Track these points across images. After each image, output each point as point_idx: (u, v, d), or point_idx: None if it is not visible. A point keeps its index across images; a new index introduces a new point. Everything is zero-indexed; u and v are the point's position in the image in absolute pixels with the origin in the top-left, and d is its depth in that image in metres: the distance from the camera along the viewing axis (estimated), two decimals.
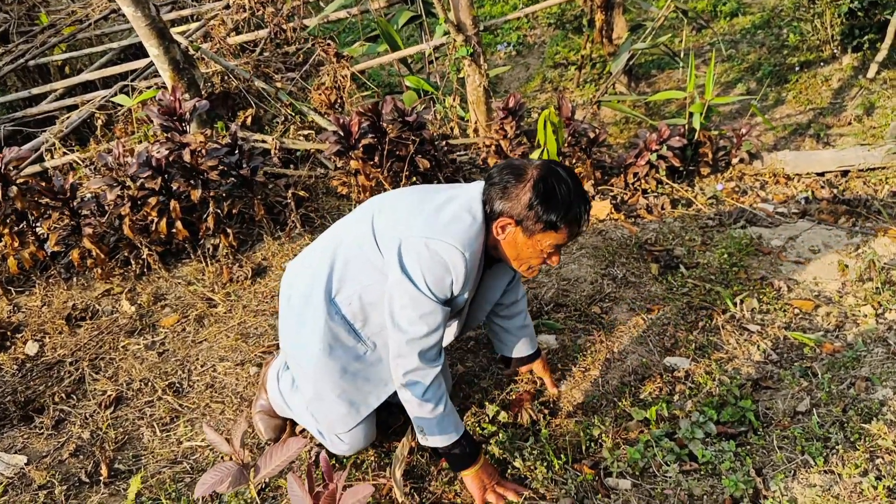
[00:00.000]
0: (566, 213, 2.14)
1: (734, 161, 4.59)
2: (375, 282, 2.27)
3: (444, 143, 4.41)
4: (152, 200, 3.59)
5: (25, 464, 2.79)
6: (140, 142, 4.96)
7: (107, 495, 2.62)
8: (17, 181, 3.58)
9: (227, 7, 6.65)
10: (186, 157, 3.52)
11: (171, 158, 3.57)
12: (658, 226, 4.08)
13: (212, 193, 3.75)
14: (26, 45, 7.28)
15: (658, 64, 7.35)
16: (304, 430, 2.79)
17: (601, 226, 4.09)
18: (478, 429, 2.68)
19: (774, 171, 4.55)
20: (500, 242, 2.25)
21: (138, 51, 7.00)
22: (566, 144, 4.27)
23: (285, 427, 2.79)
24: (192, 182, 3.65)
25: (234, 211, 3.89)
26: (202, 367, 3.25)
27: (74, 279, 3.92)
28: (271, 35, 5.80)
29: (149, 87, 5.61)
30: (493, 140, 4.40)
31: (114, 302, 3.74)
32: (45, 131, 5.71)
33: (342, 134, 3.91)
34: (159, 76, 5.51)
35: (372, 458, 2.60)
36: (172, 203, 3.61)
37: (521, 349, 2.79)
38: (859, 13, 6.03)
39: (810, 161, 4.51)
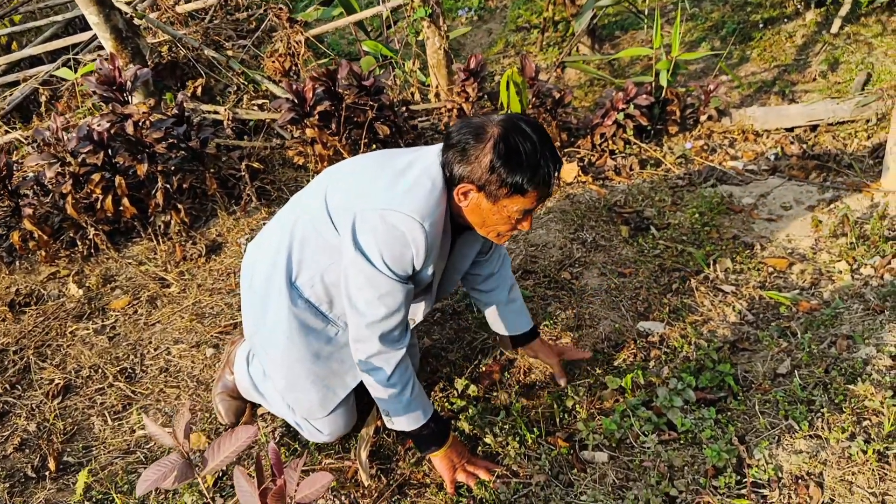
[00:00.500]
0: (533, 175, 1.90)
1: (702, 119, 4.48)
2: (335, 262, 2.09)
3: (404, 108, 4.24)
4: (96, 177, 3.39)
5: None
6: (85, 117, 4.73)
7: (54, 491, 2.46)
8: None
9: None
10: (129, 129, 3.32)
11: (113, 131, 3.36)
12: (627, 187, 3.96)
13: (160, 167, 3.55)
14: None
15: (622, 25, 7.21)
16: (264, 413, 2.65)
17: (569, 189, 3.96)
18: (446, 404, 2.56)
19: (743, 128, 4.45)
20: (463, 209, 2.04)
21: (85, 23, 6.70)
22: (530, 105, 4.12)
23: (245, 410, 2.65)
24: (137, 156, 3.45)
25: (184, 186, 3.70)
26: (155, 350, 3.08)
27: (17, 263, 3.71)
28: (221, 1, 5.56)
29: (93, 61, 5.35)
30: (455, 103, 4.24)
31: (60, 285, 3.55)
32: None
33: (296, 101, 3.72)
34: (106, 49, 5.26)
35: (335, 440, 2.47)
36: (117, 179, 3.41)
37: (512, 325, 2.58)
38: None
39: (779, 116, 4.42)
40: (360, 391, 2.35)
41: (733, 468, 2.01)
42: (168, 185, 3.61)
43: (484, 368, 2.73)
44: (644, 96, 4.23)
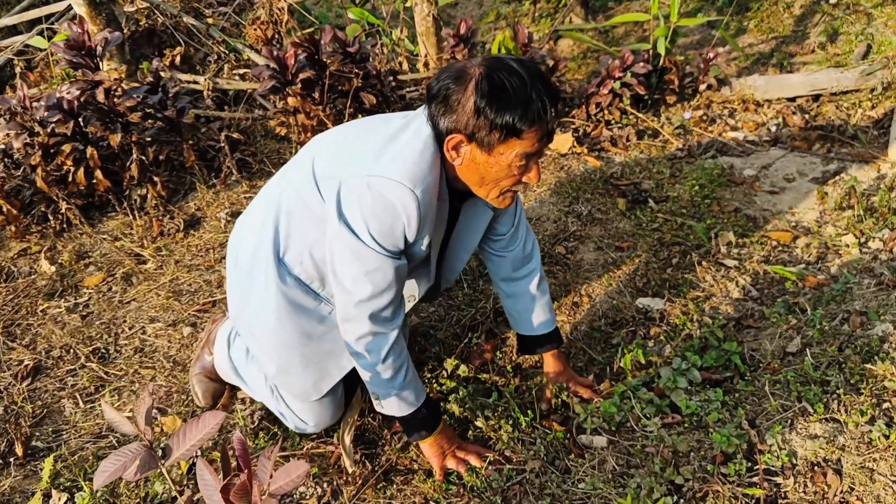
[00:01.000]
0: (525, 111, 1.65)
1: (701, 88, 4.33)
2: (323, 235, 1.90)
3: (391, 78, 4.06)
4: (66, 148, 3.21)
5: None
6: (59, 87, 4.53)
7: (20, 478, 2.32)
8: None
9: None
10: (100, 96, 3.14)
11: (83, 99, 3.18)
12: (623, 158, 3.82)
13: (134, 138, 3.38)
14: None
15: None
16: (245, 396, 2.50)
17: (563, 160, 3.81)
18: (435, 385, 2.42)
19: (743, 98, 4.30)
20: (457, 170, 1.82)
21: None
22: None
23: (223, 392, 2.50)
24: (109, 126, 3.27)
25: (161, 157, 3.52)
26: (130, 329, 2.93)
27: None
28: None
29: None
30: None
31: (31, 262, 3.38)
32: None
33: (277, 68, 3.54)
34: None
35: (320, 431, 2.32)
36: (89, 150, 3.23)
37: (526, 322, 2.30)
38: None
39: (781, 85, 4.27)
40: (346, 379, 2.20)
41: (743, 454, 1.87)
42: (144, 157, 3.43)
43: (475, 347, 2.59)
44: (641, 64, 4.07)
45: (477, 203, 2.05)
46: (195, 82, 4.31)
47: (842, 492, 1.72)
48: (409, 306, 2.26)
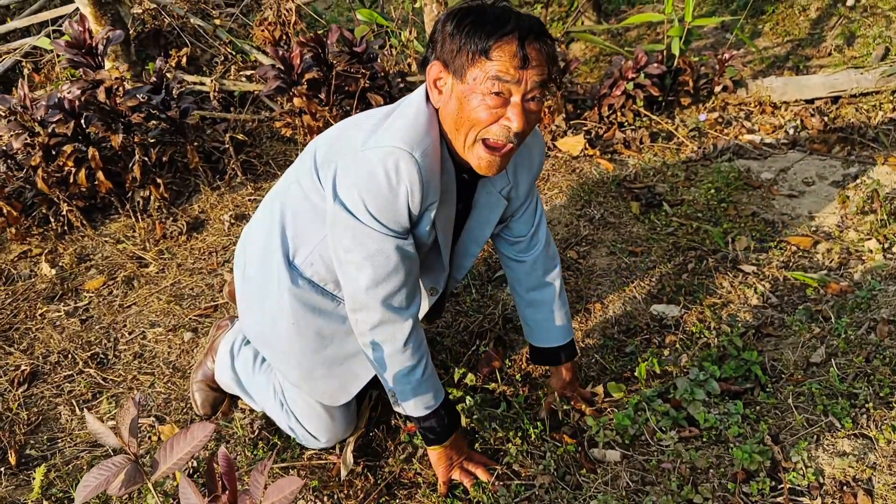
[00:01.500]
0: (494, 28, 1.55)
1: (717, 90, 4.22)
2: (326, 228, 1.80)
3: (400, 79, 3.98)
4: (67, 148, 3.15)
5: None
6: None
7: (12, 488, 2.25)
8: None
9: None
10: (101, 96, 3.07)
11: (85, 99, 3.11)
12: (637, 161, 3.72)
13: (137, 139, 3.31)
14: None
15: None
16: (244, 406, 2.42)
17: (575, 163, 3.71)
18: None
19: (760, 100, 4.19)
20: (441, 113, 1.68)
21: None
22: None
23: (223, 401, 2.42)
24: (111, 126, 3.21)
25: (164, 159, 3.45)
26: (130, 334, 2.86)
27: None
28: None
29: None
30: None
31: (32, 265, 3.31)
32: None
33: (283, 68, 3.47)
34: None
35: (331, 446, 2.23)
36: (91, 150, 3.17)
37: (544, 332, 2.20)
38: None
39: (799, 87, 4.16)
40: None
41: (767, 472, 1.76)
42: (146, 158, 3.37)
43: (483, 355, 2.50)
44: (655, 65, 3.97)
45: (490, 191, 1.94)
46: (201, 83, 4.25)
47: None
48: (429, 302, 2.14)
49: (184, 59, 4.43)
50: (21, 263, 3.33)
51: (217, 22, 4.80)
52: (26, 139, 3.14)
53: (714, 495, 1.74)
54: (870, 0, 5.68)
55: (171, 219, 3.46)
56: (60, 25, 5.52)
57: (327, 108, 3.56)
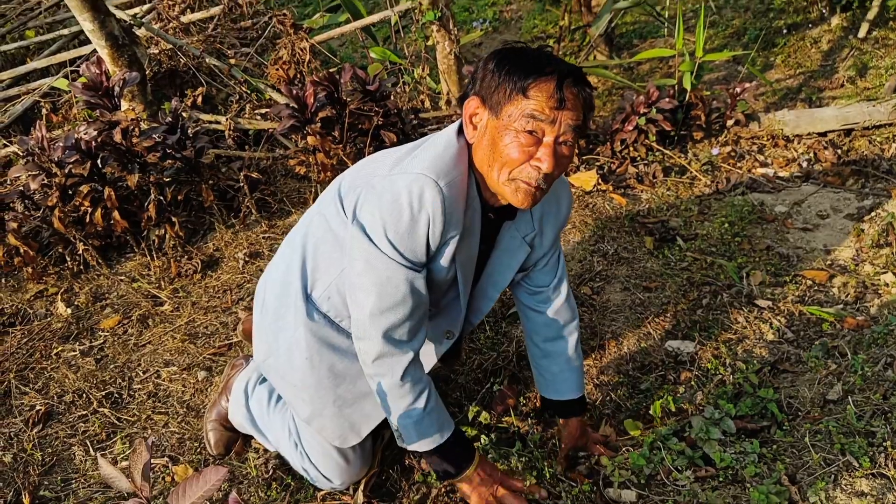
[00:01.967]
0: (533, 68, 1.58)
1: (729, 123, 4.23)
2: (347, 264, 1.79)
3: (413, 116, 4.02)
4: (83, 188, 3.18)
5: None
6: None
7: None
8: None
9: None
10: (117, 137, 3.12)
11: (101, 140, 3.16)
12: (650, 196, 3.72)
13: (152, 178, 3.34)
14: None
15: (640, 33, 6.99)
16: (258, 446, 2.41)
17: (588, 198, 3.72)
18: None
19: (772, 133, 4.19)
20: (474, 149, 1.70)
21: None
22: None
23: (237, 440, 2.41)
24: (127, 166, 3.25)
25: (179, 198, 3.48)
26: (144, 373, 2.86)
27: (2, 281, 3.50)
28: (226, 9, 5.38)
29: None
30: None
31: (48, 304, 3.34)
32: None
33: (296, 107, 3.51)
34: None
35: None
36: (107, 190, 3.20)
37: (556, 385, 2.17)
38: None
39: (812, 120, 4.16)
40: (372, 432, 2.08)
41: None
42: (162, 197, 3.40)
43: (497, 393, 2.48)
44: (667, 100, 3.99)
45: (514, 235, 1.93)
46: (217, 122, 4.30)
47: None
48: (445, 346, 2.12)
49: (199, 99, 4.49)
50: (37, 303, 3.36)
51: (232, 61, 4.88)
52: (43, 180, 3.18)
53: None
54: (881, 31, 5.70)
55: (186, 257, 3.48)
56: (78, 66, 5.62)
57: (341, 145, 3.59)
